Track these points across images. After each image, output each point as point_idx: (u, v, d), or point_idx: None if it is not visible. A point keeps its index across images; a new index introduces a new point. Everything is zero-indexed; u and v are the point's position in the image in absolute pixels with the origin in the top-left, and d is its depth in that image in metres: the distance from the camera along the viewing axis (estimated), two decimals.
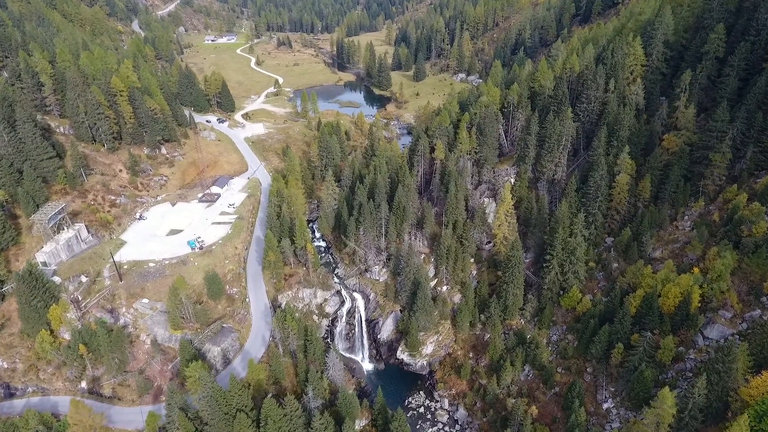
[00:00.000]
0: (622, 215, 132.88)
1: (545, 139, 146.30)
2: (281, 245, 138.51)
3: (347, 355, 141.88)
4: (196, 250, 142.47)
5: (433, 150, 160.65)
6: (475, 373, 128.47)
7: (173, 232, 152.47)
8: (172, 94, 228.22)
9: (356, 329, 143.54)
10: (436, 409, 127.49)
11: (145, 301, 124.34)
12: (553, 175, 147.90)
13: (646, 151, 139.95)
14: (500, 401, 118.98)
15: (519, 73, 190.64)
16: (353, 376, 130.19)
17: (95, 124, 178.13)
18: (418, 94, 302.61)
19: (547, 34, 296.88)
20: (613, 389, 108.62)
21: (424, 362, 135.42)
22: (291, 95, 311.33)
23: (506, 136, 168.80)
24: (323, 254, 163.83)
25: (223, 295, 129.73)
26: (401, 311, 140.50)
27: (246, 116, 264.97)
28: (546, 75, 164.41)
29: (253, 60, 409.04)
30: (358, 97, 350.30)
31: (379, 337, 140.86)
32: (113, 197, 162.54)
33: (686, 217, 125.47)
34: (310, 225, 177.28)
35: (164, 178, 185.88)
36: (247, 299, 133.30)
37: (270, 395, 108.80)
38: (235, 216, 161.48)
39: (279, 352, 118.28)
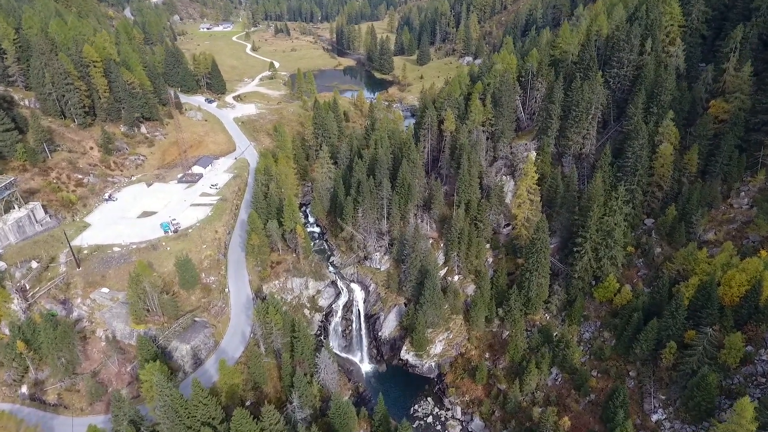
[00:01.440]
0: (664, 192, 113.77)
1: (571, 108, 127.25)
2: (267, 228, 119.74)
3: (343, 355, 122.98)
4: (170, 234, 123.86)
5: (441, 123, 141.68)
6: (493, 376, 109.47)
7: (146, 214, 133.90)
8: (156, 72, 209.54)
9: (354, 325, 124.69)
10: (446, 419, 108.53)
11: (105, 290, 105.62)
12: (581, 149, 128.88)
13: (687, 120, 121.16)
14: (524, 410, 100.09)
15: (538, 39, 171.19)
16: (349, 380, 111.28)
17: (63, 96, 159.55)
18: (422, 77, 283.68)
19: (560, 13, 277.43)
20: (664, 397, 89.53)
21: (433, 363, 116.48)
22: (287, 78, 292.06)
23: (524, 109, 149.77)
24: (317, 240, 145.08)
25: (198, 285, 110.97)
26: (406, 305, 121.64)
27: (237, 98, 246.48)
28: (569, 40, 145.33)
29: (249, 46, 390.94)
30: (358, 81, 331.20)
31: (380, 334, 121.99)
32: (80, 176, 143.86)
33: (742, 193, 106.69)
34: (303, 209, 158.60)
35: (141, 157, 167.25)
36: (226, 289, 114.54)
37: (248, 403, 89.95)
38: (218, 197, 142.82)
39: (260, 351, 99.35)
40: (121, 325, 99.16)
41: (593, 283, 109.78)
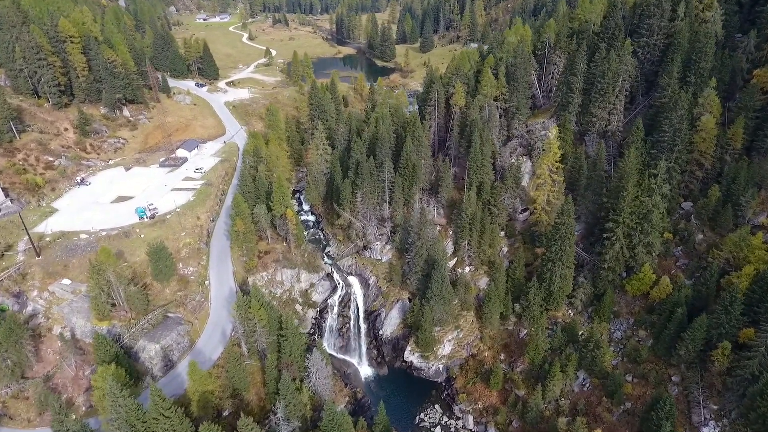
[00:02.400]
0: (704, 171, 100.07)
1: (595, 81, 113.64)
2: (254, 213, 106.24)
3: (339, 356, 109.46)
4: (146, 220, 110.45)
5: (449, 101, 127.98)
6: (510, 381, 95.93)
7: (121, 199, 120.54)
8: (143, 54, 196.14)
9: (351, 323, 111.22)
10: (457, 429, 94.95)
11: (66, 282, 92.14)
12: (606, 126, 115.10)
13: (727, 93, 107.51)
14: (547, 420, 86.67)
15: (555, 10, 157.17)
16: (346, 385, 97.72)
17: (36, 73, 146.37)
18: (425, 64, 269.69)
19: None
20: (716, 407, 75.88)
21: (441, 366, 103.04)
22: (284, 66, 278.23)
23: (539, 86, 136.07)
24: (312, 229, 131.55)
25: (174, 276, 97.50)
26: (410, 300, 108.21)
27: (231, 84, 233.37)
28: (590, 9, 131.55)
29: (245, 36, 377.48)
30: (359, 70, 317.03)
31: (381, 333, 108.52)
32: (51, 158, 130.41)
33: None
34: (297, 196, 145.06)
35: (122, 141, 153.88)
36: (206, 281, 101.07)
37: (226, 413, 76.41)
38: (202, 182, 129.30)
39: (242, 351, 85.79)
40: (81, 322, 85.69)
41: (624, 274, 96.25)
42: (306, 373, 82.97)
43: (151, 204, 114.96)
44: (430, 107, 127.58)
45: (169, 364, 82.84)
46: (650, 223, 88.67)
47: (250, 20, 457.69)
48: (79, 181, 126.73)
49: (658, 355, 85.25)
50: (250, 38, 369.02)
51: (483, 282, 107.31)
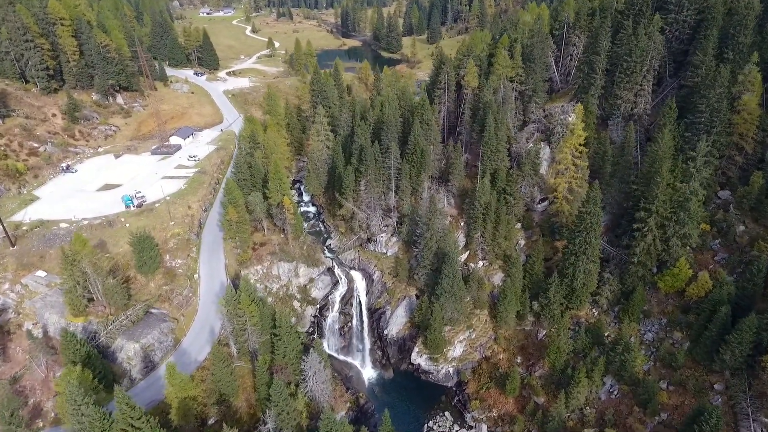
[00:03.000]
0: (744, 156, 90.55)
1: (620, 60, 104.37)
2: (249, 201, 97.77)
3: (341, 357, 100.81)
4: (132, 209, 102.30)
5: (460, 85, 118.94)
6: (527, 386, 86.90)
7: (108, 187, 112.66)
8: (139, 41, 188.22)
9: (354, 321, 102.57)
10: None
11: (41, 274, 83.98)
12: (631, 110, 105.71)
13: (765, 71, 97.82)
14: (570, 431, 77.44)
15: None
16: (347, 390, 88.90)
17: (23, 55, 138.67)
18: (433, 54, 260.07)
19: None
20: None
21: (451, 369, 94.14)
22: (286, 56, 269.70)
23: (557, 69, 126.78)
24: (312, 221, 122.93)
25: (160, 269, 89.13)
26: (417, 297, 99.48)
27: (231, 73, 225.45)
28: None
29: (249, 29, 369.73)
30: (363, 61, 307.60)
31: (386, 332, 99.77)
32: (36, 144, 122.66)
33: None
34: (297, 186, 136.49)
35: (113, 128, 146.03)
36: (195, 275, 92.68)
37: (211, 421, 67.89)
38: (195, 170, 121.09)
39: (231, 352, 77.22)
40: (55, 318, 77.45)
41: (656, 270, 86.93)
42: (302, 377, 74.29)
43: (139, 192, 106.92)
44: (439, 90, 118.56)
45: (149, 366, 74.40)
46: (687, 212, 79.22)
47: (254, 14, 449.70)
48: (65, 168, 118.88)
49: (697, 360, 75.92)
50: (254, 31, 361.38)
51: (498, 278, 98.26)
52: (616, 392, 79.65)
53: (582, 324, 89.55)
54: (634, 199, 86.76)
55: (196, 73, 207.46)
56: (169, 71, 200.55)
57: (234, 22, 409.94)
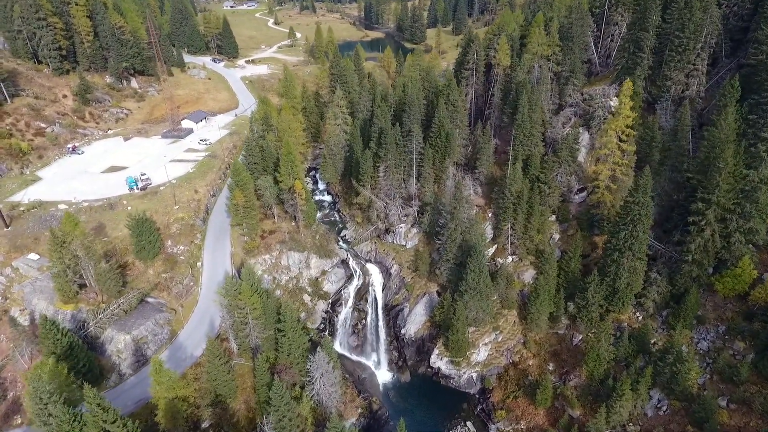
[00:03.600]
0: None
1: (670, 37, 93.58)
2: (258, 185, 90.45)
3: (353, 357, 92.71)
4: (135, 191, 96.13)
5: (489, 66, 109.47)
6: (561, 397, 77.32)
7: (113, 169, 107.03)
8: (156, 25, 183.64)
9: (368, 319, 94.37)
10: None
11: (33, 257, 78.06)
12: (682, 92, 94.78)
13: None
14: None
15: None
16: (359, 394, 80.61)
17: (35, 35, 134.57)
18: (458, 46, 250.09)
19: None
20: None
21: (474, 375, 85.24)
22: (307, 45, 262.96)
23: (596, 51, 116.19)
24: (327, 210, 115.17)
25: (161, 255, 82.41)
26: (439, 294, 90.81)
27: (250, 62, 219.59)
28: None
29: (271, 20, 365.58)
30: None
31: (403, 331, 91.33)
32: (43, 125, 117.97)
33: None
34: (312, 174, 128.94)
35: (125, 111, 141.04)
36: (198, 263, 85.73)
37: (205, 425, 60.41)
38: (206, 153, 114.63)
39: (231, 348, 69.77)
40: (43, 304, 71.19)
41: (711, 270, 76.32)
42: (308, 378, 66.37)
43: (144, 174, 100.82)
44: (467, 71, 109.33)
45: (141, 360, 67.45)
46: (755, 203, 68.71)
47: (277, 8, 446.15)
48: (71, 149, 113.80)
49: (764, 375, 65.38)
50: (276, 23, 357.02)
51: (528, 275, 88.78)
52: (665, 408, 69.63)
53: (625, 329, 79.54)
54: (689, 189, 76.36)
55: (214, 60, 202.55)
56: (188, 58, 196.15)
57: (257, 14, 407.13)
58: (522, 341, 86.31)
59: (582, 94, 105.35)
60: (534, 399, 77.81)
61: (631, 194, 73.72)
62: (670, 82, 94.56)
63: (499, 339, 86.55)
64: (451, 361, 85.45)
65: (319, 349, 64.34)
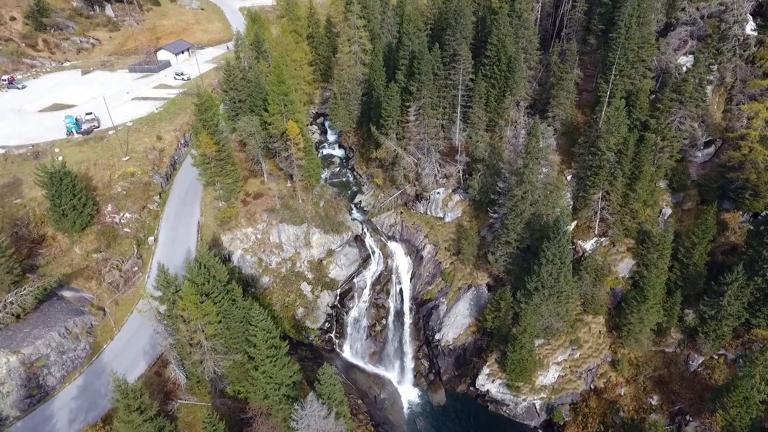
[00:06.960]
0: None
1: None
2: (239, 127, 63.72)
3: (369, 368, 67.93)
4: (76, 135, 70.25)
5: None
6: None
7: (56, 107, 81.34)
8: None
9: (390, 318, 69.02)
10: None
11: None
12: None
13: None
14: None
15: None
16: (372, 424, 55.60)
17: None
18: None
19: None
20: None
21: (537, 403, 60.16)
22: None
23: None
24: (337, 169, 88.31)
25: (94, 225, 57.04)
26: (491, 288, 64.58)
27: None
28: None
29: None
30: None
31: (438, 337, 65.89)
32: None
33: None
34: (320, 121, 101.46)
35: (92, 41, 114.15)
36: (152, 238, 60.28)
37: None
38: (181, 90, 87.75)
39: (176, 380, 44.74)
40: None
41: None
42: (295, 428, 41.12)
43: (90, 113, 74.64)
44: None
45: (38, 394, 42.98)
46: None
47: None
48: (6, 81, 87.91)
49: None
50: None
51: (624, 266, 61.44)
52: None
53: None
54: None
55: None
56: None
57: None
58: (609, 359, 60.22)
59: (698, 9, 74.27)
60: None
61: None
62: None
63: (577, 355, 60.57)
64: (506, 383, 60.28)
65: (311, 396, 38.69)
